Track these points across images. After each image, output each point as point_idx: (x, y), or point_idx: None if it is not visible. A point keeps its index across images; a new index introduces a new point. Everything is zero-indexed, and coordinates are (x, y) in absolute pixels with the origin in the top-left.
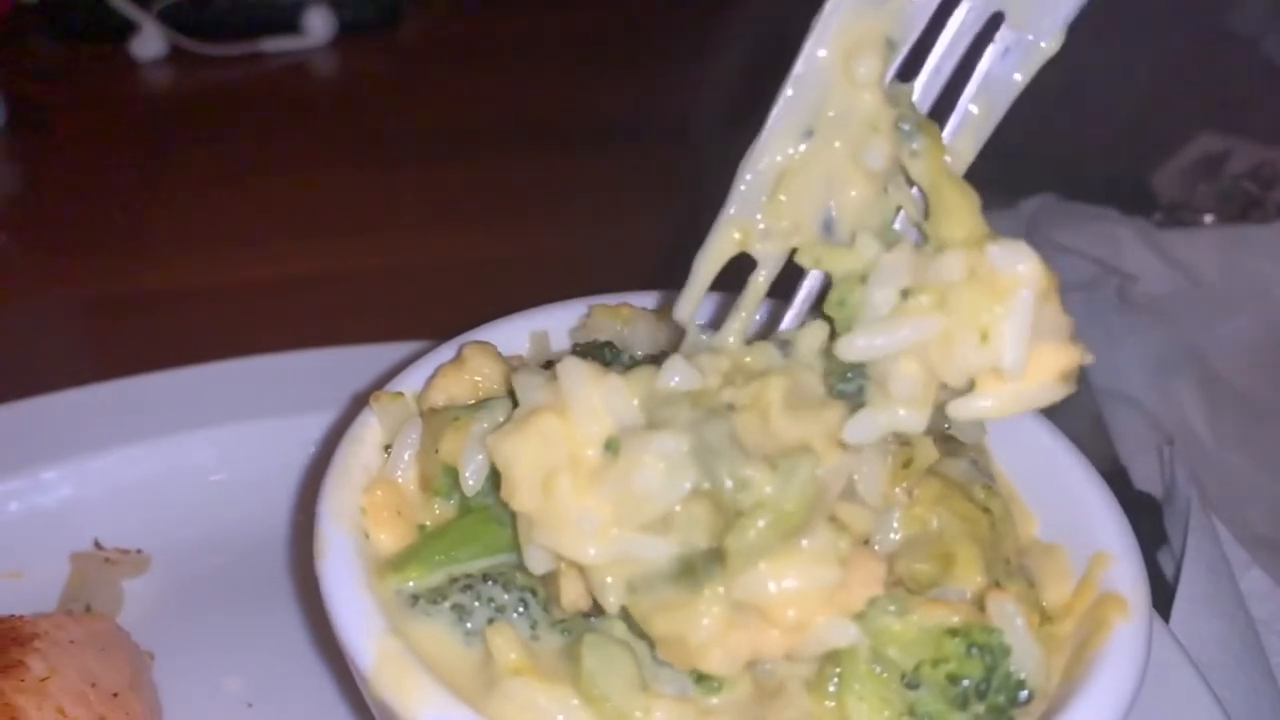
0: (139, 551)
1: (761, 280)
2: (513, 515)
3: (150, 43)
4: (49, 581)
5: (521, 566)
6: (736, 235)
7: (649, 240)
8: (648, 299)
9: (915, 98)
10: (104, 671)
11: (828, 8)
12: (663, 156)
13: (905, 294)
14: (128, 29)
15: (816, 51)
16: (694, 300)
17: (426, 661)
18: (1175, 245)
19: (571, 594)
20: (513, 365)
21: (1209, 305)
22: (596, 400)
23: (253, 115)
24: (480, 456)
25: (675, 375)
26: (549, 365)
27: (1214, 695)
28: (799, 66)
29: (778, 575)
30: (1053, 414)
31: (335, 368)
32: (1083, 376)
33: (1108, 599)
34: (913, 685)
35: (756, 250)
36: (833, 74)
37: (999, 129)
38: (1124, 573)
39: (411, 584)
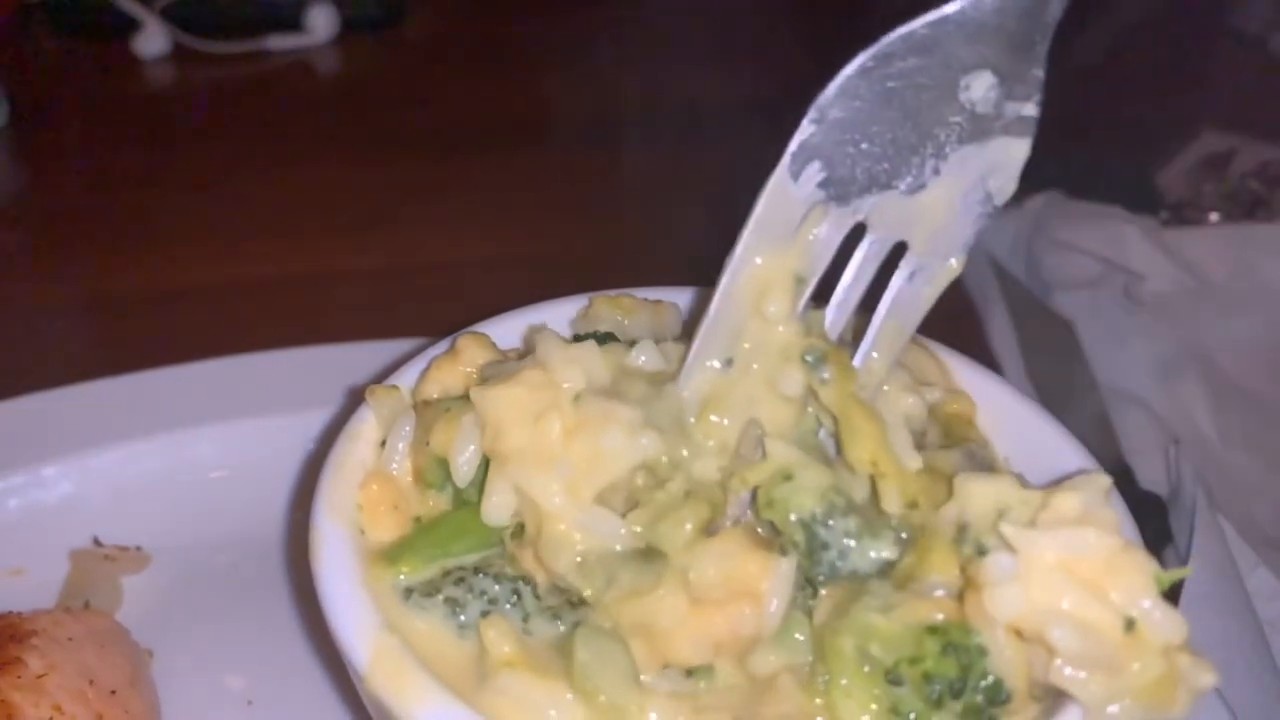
0: (138, 548)
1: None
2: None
3: (153, 40)
4: (48, 578)
5: (513, 558)
6: (665, 459)
7: (652, 239)
8: (648, 292)
9: (828, 323)
10: (102, 669)
11: (737, 252)
12: (667, 155)
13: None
14: (130, 26)
15: (728, 293)
16: None
17: (421, 656)
18: (1181, 244)
19: (528, 560)
20: (507, 357)
21: (1215, 304)
22: (572, 355)
23: (255, 113)
24: (472, 447)
25: (642, 355)
26: None
27: (1221, 696)
28: (712, 309)
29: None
30: (1058, 412)
31: (335, 364)
32: (1088, 375)
33: None
34: (896, 682)
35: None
36: (745, 313)
37: None
38: None
39: (403, 577)
